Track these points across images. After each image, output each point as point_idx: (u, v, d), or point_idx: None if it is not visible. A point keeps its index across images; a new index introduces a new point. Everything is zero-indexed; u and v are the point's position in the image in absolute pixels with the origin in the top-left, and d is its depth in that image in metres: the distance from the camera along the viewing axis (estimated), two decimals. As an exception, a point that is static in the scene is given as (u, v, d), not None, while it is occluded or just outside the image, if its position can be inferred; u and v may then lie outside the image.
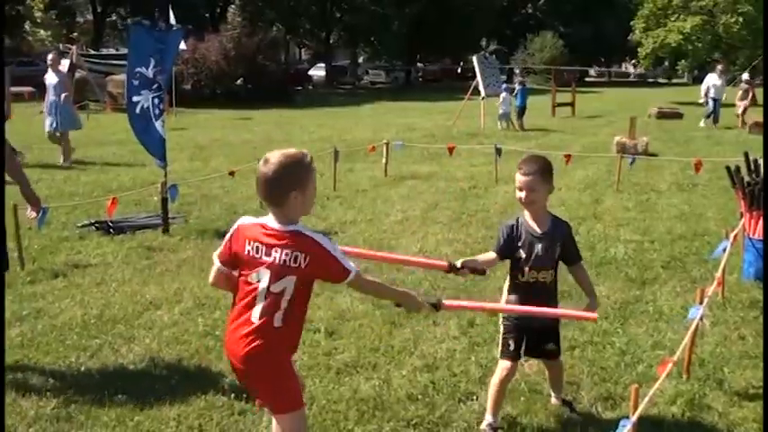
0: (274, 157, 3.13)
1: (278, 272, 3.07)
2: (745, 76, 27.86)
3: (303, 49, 73.98)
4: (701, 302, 4.56)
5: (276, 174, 3.08)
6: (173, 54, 9.48)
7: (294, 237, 3.09)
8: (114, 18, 58.80)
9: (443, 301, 3.52)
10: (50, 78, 14.40)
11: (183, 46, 25.81)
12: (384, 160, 13.27)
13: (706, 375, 4.83)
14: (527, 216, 4.00)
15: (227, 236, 3.25)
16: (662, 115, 27.21)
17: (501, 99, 23.35)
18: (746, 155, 7.10)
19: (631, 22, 43.97)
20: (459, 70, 65.31)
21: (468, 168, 14.17)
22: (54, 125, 14.21)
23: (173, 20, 23.31)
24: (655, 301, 6.35)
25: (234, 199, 10.83)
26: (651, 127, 22.62)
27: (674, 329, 5.61)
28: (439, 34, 56.33)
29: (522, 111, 23.55)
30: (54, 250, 7.70)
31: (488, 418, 4.09)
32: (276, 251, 3.08)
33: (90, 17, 58.29)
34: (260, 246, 3.12)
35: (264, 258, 3.10)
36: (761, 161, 6.72)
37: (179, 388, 4.58)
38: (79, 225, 8.75)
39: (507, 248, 3.97)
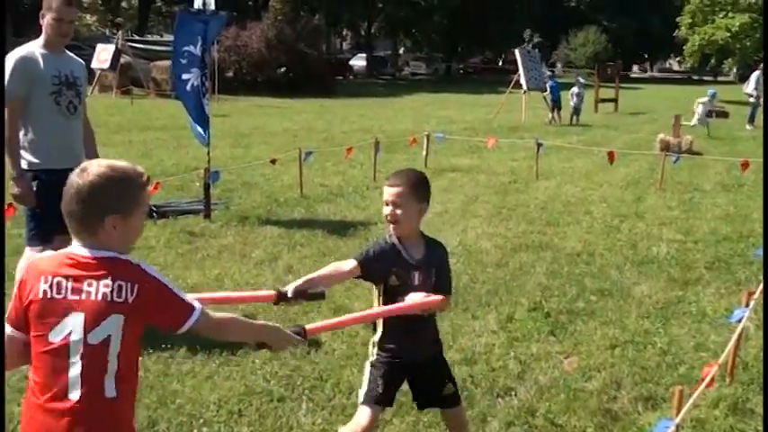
0: (95, 167, 2.30)
1: (95, 312, 2.20)
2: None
3: (344, 39, 74.06)
4: (746, 305, 4.48)
5: (92, 189, 2.25)
6: (213, 37, 9.79)
7: (113, 263, 2.25)
8: (159, 4, 59.43)
9: (306, 327, 2.75)
10: None
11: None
12: (424, 152, 13.25)
13: (750, 379, 4.75)
14: (399, 239, 3.34)
15: (15, 286, 2.33)
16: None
17: (572, 93, 23.16)
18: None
19: (677, 18, 43.30)
20: (500, 63, 64.91)
21: (508, 162, 14.08)
22: None
23: (212, 6, 23.49)
24: (698, 301, 6.26)
25: (274, 187, 10.88)
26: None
27: (718, 331, 5.53)
28: (480, 27, 56.02)
29: (556, 105, 23.32)
30: (98, 232, 7.82)
31: None
32: (90, 285, 2.21)
33: (135, 3, 58.98)
34: (63, 281, 2.22)
35: (71, 297, 2.21)
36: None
37: (219, 373, 4.63)
38: (123, 208, 8.85)
39: (375, 267, 3.29)
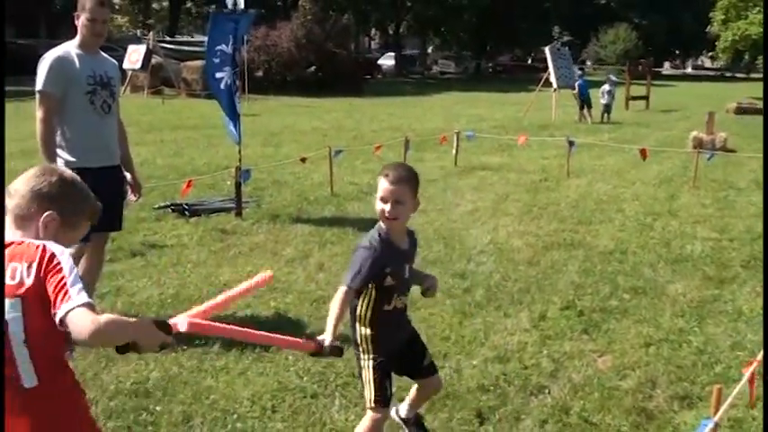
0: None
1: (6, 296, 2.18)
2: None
3: (372, 39, 74.12)
4: (785, 303, 4.42)
5: (45, 187, 2.34)
6: (242, 34, 10.07)
7: (18, 245, 2.25)
8: (189, 5, 59.93)
9: (171, 321, 2.38)
10: None
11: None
12: (454, 150, 13.21)
13: (788, 379, 4.68)
14: (387, 234, 3.29)
15: None
16: (741, 110, 26.41)
17: (603, 90, 23.01)
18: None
19: (710, 14, 42.75)
20: (530, 61, 64.57)
21: (539, 161, 14.00)
22: None
23: (242, 5, 23.67)
24: (734, 300, 6.18)
25: (305, 185, 10.92)
26: (729, 122, 21.96)
27: (754, 330, 5.45)
28: (509, 25, 55.75)
29: (586, 104, 23.13)
30: (132, 230, 7.89)
31: None
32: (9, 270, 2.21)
33: (166, 4, 59.54)
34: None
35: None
36: None
37: (252, 369, 4.65)
38: (155, 207, 8.94)
39: (369, 278, 3.20)
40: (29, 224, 2.31)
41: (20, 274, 2.18)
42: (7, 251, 2.23)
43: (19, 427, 2.20)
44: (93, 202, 2.48)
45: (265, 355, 4.85)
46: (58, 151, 5.01)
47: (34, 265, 2.18)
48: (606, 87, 23.15)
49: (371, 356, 3.35)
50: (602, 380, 4.59)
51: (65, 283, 2.14)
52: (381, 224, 3.31)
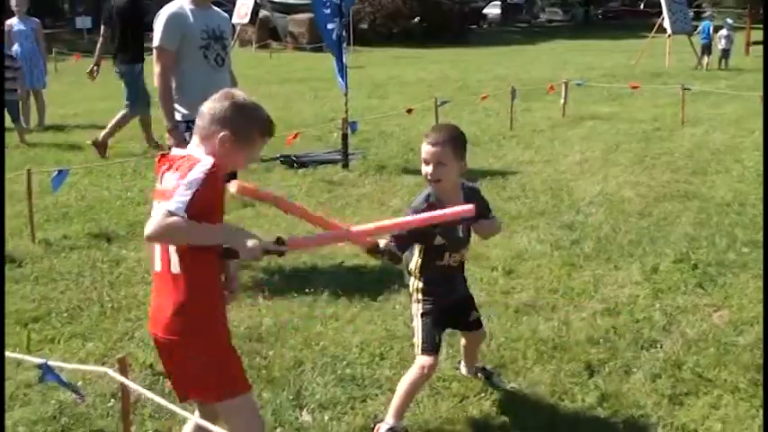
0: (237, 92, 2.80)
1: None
2: None
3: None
4: None
5: (220, 111, 2.67)
6: None
7: (183, 158, 2.66)
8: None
9: (286, 237, 2.67)
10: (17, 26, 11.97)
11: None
12: (562, 100, 12.89)
13: None
14: (438, 195, 3.34)
15: None
16: None
17: (720, 35, 21.96)
18: None
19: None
20: (641, 6, 61.97)
21: (651, 109, 13.50)
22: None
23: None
24: None
25: (410, 137, 10.90)
26: None
27: None
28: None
29: (707, 49, 22.07)
30: (243, 181, 8.09)
31: (390, 421, 3.36)
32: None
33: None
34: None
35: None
36: None
37: (361, 317, 4.74)
38: (265, 159, 9.14)
39: (414, 239, 3.31)
40: (207, 142, 2.66)
41: (167, 179, 2.63)
42: (177, 161, 2.65)
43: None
44: (262, 123, 2.75)
45: (373, 303, 4.93)
46: (176, 105, 5.17)
47: (178, 172, 2.57)
48: (724, 32, 22.01)
49: (422, 306, 3.47)
50: (717, 335, 4.45)
51: (176, 186, 2.52)
52: (429, 187, 3.37)
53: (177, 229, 2.47)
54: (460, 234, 3.43)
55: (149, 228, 2.48)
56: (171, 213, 2.45)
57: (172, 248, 2.59)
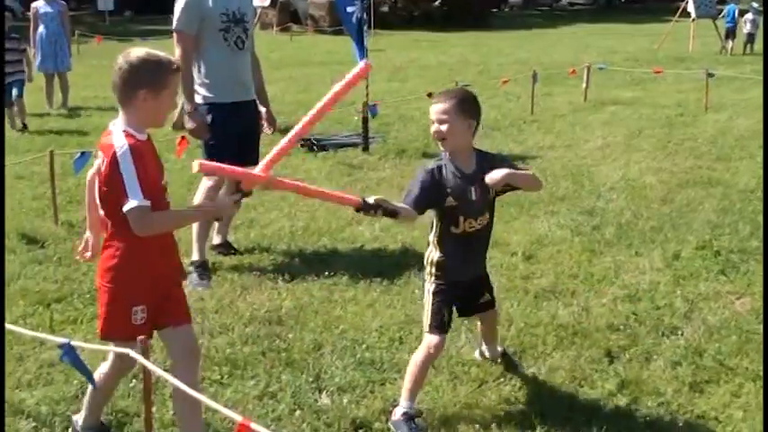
0: (136, 52, 2.84)
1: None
2: None
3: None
4: None
5: (131, 67, 2.80)
6: None
7: (106, 135, 2.85)
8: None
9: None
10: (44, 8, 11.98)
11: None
12: (584, 84, 12.79)
13: None
14: (450, 157, 3.39)
15: None
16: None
17: (746, 19, 21.66)
18: None
19: None
20: (666, -11, 61.23)
21: (674, 95, 13.36)
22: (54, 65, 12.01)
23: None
24: None
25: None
26: None
27: None
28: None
29: (732, 33, 21.78)
30: (263, 165, 8.12)
31: (404, 404, 3.38)
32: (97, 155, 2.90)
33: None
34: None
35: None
36: None
37: (380, 301, 4.74)
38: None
39: (427, 198, 3.32)
40: (129, 108, 2.84)
41: (102, 164, 2.82)
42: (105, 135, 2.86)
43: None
44: (163, 64, 2.84)
45: (393, 287, 4.93)
46: (196, 87, 5.17)
47: (107, 161, 2.76)
48: (749, 16, 21.70)
49: (434, 281, 3.47)
50: (739, 322, 4.42)
51: (124, 185, 2.75)
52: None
53: (161, 223, 2.85)
54: (473, 196, 3.37)
55: (136, 231, 2.74)
56: (141, 210, 2.69)
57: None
